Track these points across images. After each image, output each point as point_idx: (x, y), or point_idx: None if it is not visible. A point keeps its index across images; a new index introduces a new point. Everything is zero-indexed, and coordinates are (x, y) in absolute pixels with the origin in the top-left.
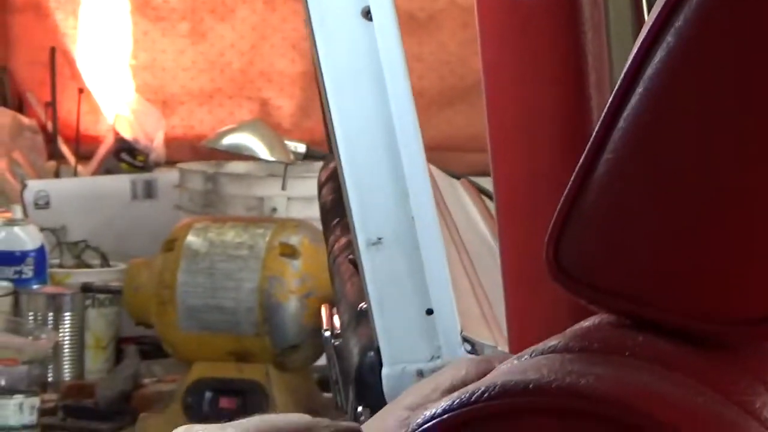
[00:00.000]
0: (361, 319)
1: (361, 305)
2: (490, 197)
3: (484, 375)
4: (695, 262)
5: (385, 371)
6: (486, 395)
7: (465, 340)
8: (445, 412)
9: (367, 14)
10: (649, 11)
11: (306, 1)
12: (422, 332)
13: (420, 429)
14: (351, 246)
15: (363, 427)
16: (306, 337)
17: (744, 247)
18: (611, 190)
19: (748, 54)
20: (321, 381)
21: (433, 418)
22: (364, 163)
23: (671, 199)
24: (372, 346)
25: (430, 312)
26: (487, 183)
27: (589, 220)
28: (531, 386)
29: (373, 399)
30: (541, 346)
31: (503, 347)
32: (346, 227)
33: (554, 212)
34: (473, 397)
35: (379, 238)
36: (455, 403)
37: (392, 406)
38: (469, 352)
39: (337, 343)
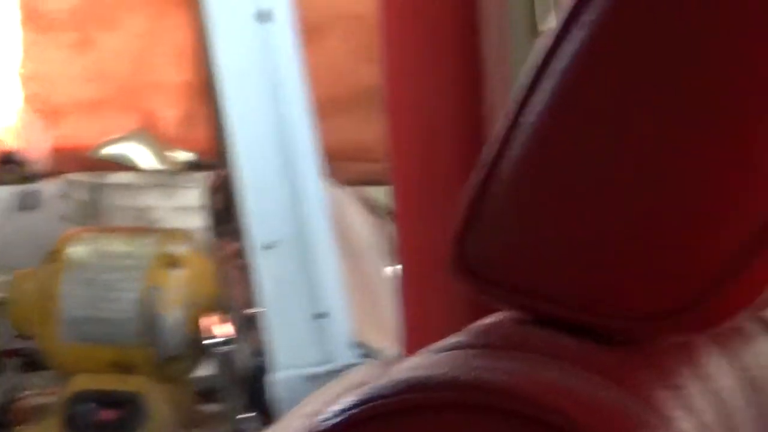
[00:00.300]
0: (251, 325)
1: (250, 311)
2: (374, 207)
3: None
4: (596, 259)
5: (275, 376)
6: (391, 391)
7: (357, 344)
8: (349, 408)
9: (263, 17)
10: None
11: (202, 6)
12: (313, 336)
13: (324, 424)
14: (240, 253)
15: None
16: (188, 348)
17: (643, 244)
18: (515, 188)
19: (654, 52)
20: (201, 392)
21: (337, 414)
22: (258, 167)
23: (573, 196)
24: (262, 351)
25: (321, 316)
26: (372, 192)
27: (493, 219)
28: (436, 381)
29: (264, 404)
30: (442, 343)
31: (395, 351)
32: (236, 234)
33: (452, 213)
34: (378, 393)
35: (273, 242)
36: (360, 399)
37: (292, 415)
38: (361, 356)
39: (224, 350)
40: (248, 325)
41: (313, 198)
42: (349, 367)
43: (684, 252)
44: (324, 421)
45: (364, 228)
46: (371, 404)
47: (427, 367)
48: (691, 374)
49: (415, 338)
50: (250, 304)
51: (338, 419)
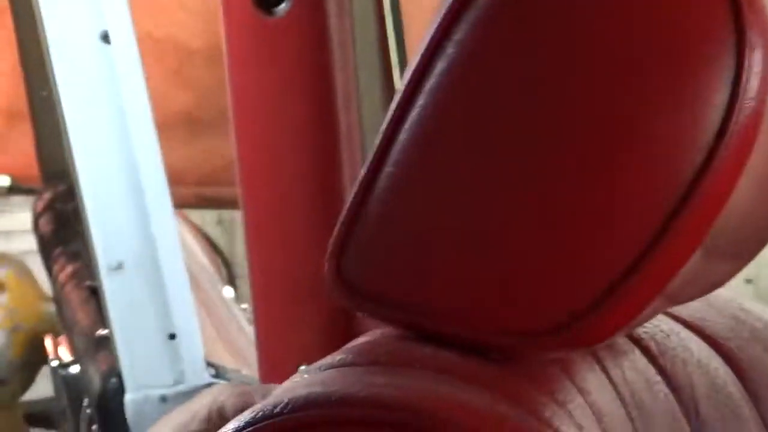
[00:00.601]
0: (99, 346)
1: (98, 332)
2: (198, 229)
3: (244, 403)
4: (474, 275)
5: (128, 397)
6: (290, 407)
7: (209, 364)
8: (247, 425)
9: (105, 38)
10: (393, 27)
11: (42, 26)
12: (165, 357)
13: None
14: (79, 274)
15: None
16: (14, 372)
17: (520, 262)
18: (393, 203)
19: (528, 66)
20: (27, 416)
21: (235, 431)
22: (103, 187)
23: (452, 211)
24: (114, 372)
25: (172, 336)
26: (196, 216)
27: (372, 234)
28: (334, 398)
29: (117, 426)
30: (326, 361)
31: (247, 372)
32: (72, 256)
33: (306, 231)
34: (277, 409)
35: (120, 263)
36: (258, 415)
37: None
38: (214, 377)
39: (66, 373)
40: (97, 346)
41: (160, 218)
42: (202, 387)
43: (562, 271)
44: None
45: (195, 248)
46: (271, 420)
47: (319, 384)
48: (572, 388)
49: (270, 361)
50: (97, 325)
51: None
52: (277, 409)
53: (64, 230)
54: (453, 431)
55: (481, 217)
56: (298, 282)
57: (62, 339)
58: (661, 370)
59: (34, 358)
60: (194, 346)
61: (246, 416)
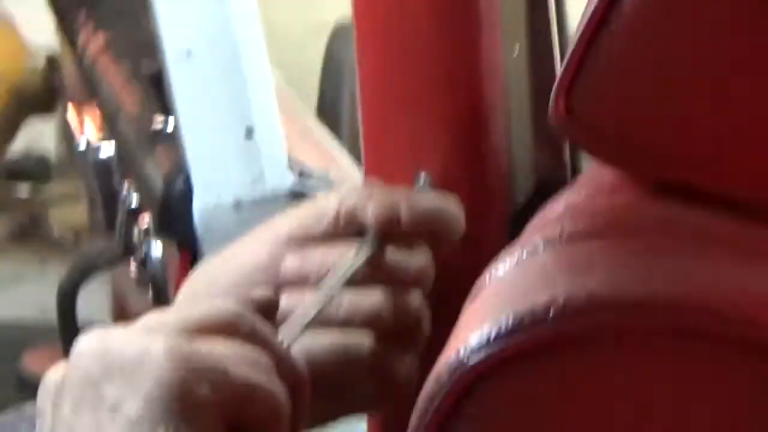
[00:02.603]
0: (157, 139)
1: (157, 123)
2: None
3: (389, 215)
4: (756, 123)
5: (197, 202)
6: (569, 311)
7: (292, 165)
8: (511, 332)
9: None
10: None
11: None
12: (241, 155)
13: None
14: (116, 44)
15: (225, 251)
16: None
17: None
18: (639, 29)
19: None
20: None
21: (495, 337)
22: None
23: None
24: (180, 172)
25: (250, 131)
26: None
27: (610, 68)
28: (633, 300)
29: (182, 233)
30: (567, 226)
31: (334, 172)
32: (103, 21)
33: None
34: (552, 313)
35: (190, 50)
36: (524, 320)
37: (263, 234)
38: (297, 180)
39: (97, 158)
40: (154, 139)
41: None
42: (283, 192)
43: None
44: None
45: None
46: (539, 329)
47: (591, 273)
48: None
49: (377, 160)
50: (152, 114)
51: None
52: (552, 313)
53: None
54: None
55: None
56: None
57: (89, 113)
58: None
59: (16, 113)
60: (275, 142)
61: (505, 319)
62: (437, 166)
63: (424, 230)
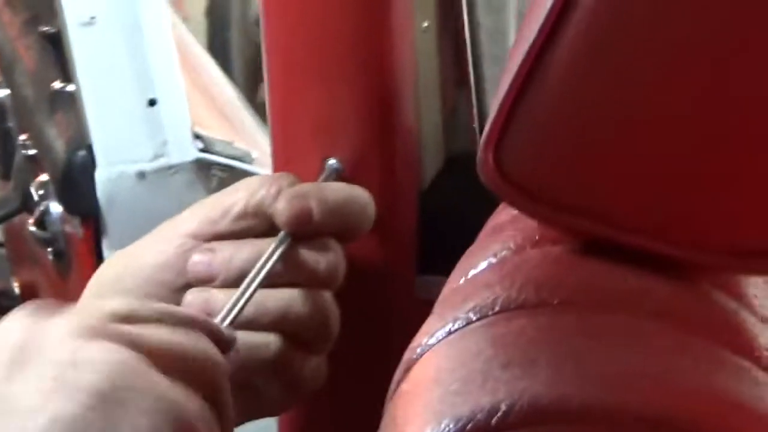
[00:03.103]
0: (56, 103)
1: (56, 84)
2: None
3: (300, 209)
4: (691, 180)
5: (99, 173)
6: (512, 417)
7: (196, 136)
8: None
9: None
10: None
11: None
12: (144, 126)
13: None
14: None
15: (130, 247)
16: None
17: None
18: (573, 84)
19: None
20: None
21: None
22: None
23: (657, 90)
24: (81, 142)
25: (152, 102)
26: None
27: (541, 123)
28: (577, 404)
29: (84, 205)
30: (499, 292)
31: (239, 144)
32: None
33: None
34: (494, 420)
35: (92, 18)
36: (466, 426)
37: (169, 230)
38: (201, 151)
39: None
40: (54, 102)
41: None
42: (187, 163)
43: None
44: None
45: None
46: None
47: (527, 363)
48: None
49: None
50: (52, 75)
51: None
52: (495, 420)
53: None
54: None
55: (698, 107)
56: (327, 57)
57: None
58: None
59: None
60: (179, 113)
61: (447, 425)
62: (347, 151)
63: (334, 225)
